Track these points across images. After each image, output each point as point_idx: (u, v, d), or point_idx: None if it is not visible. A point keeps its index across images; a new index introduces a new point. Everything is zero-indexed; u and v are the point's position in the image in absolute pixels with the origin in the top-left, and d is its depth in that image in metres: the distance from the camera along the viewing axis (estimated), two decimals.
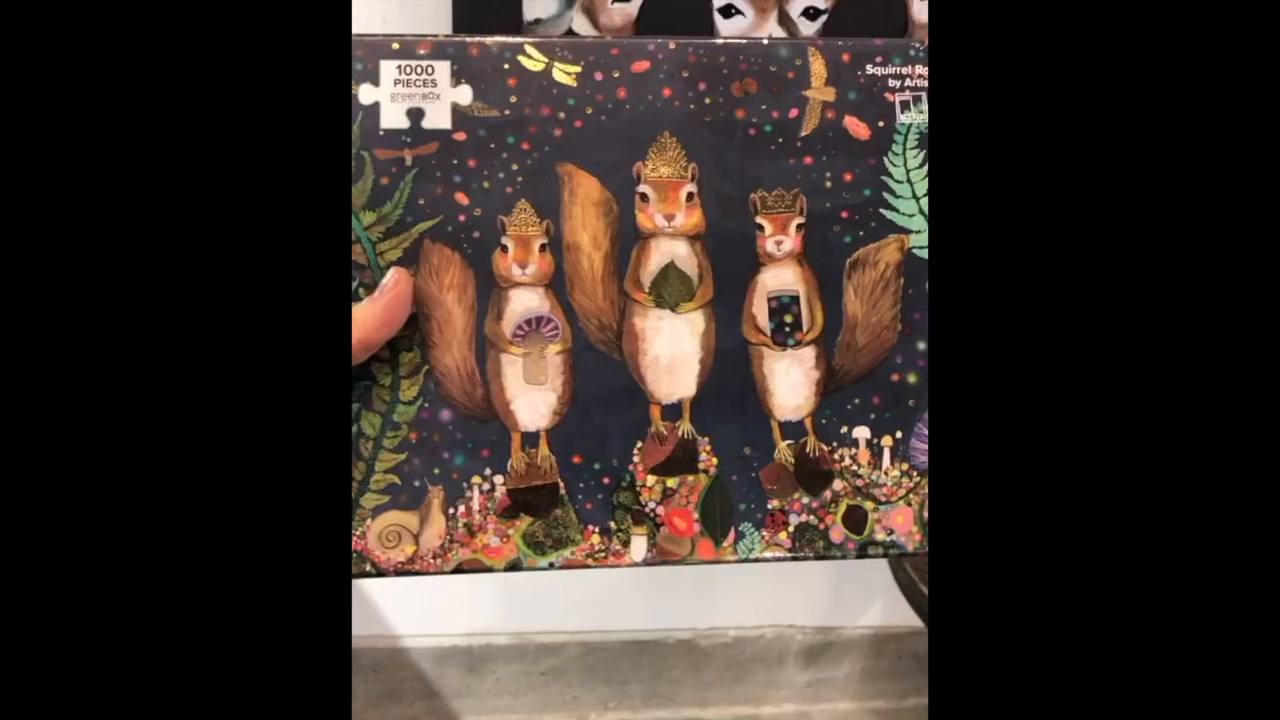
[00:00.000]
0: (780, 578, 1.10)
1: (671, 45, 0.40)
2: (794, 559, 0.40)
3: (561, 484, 0.39)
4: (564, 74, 0.40)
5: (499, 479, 0.39)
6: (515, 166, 0.39)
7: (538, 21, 0.40)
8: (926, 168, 0.40)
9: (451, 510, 0.39)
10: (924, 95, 0.41)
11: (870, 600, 1.14)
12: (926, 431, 0.40)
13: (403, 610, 1.10)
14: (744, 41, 0.41)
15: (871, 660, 1.16)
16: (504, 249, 0.39)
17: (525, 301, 0.40)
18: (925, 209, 0.41)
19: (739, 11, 0.53)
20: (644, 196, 0.40)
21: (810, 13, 0.54)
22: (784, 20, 0.53)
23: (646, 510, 0.39)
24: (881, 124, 0.41)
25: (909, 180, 0.40)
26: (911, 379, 0.40)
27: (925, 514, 0.40)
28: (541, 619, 1.11)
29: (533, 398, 0.39)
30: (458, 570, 0.39)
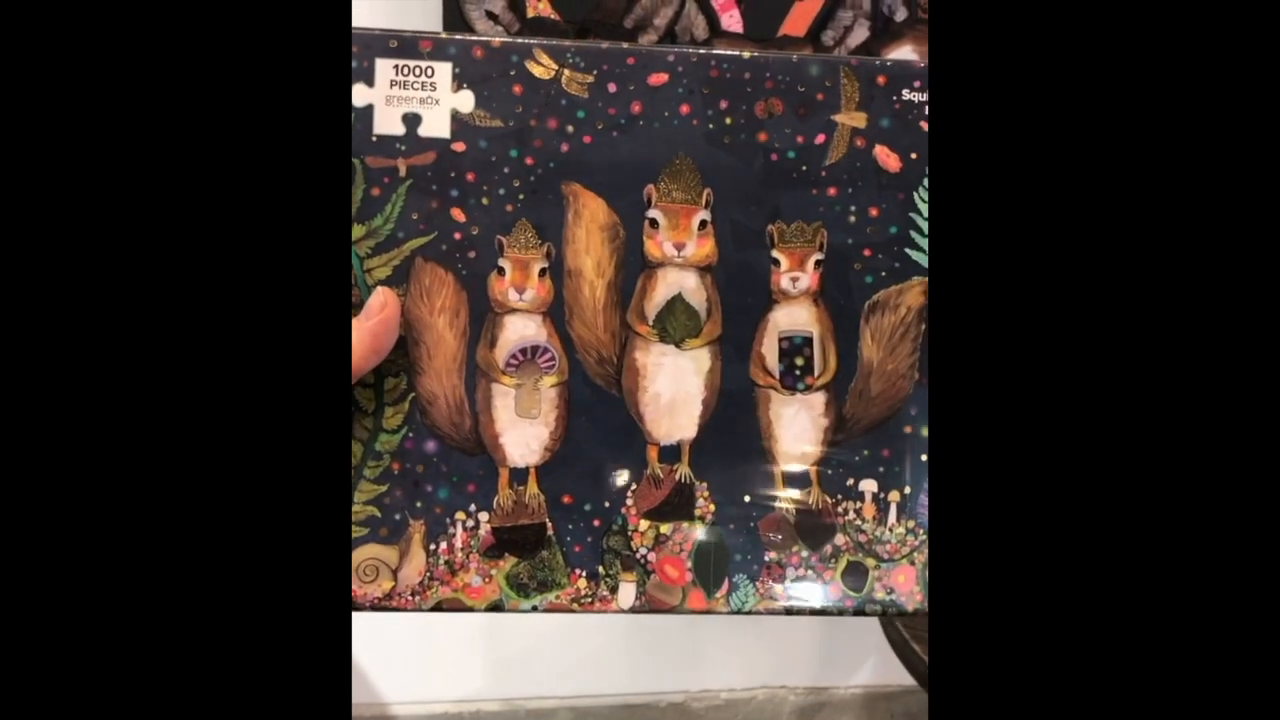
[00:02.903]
0: (771, 637, 1.09)
1: (693, 57, 0.37)
2: (788, 614, 0.38)
3: (549, 524, 0.37)
4: (575, 83, 0.37)
5: (484, 516, 0.37)
6: (517, 183, 0.37)
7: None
8: None
9: (433, 546, 0.37)
10: None
11: (862, 659, 1.12)
12: None
13: (391, 677, 1.07)
14: (772, 56, 0.38)
15: None
16: (501, 272, 0.37)
17: (521, 329, 0.37)
18: None
19: None
20: (654, 222, 0.37)
21: None
22: None
23: (637, 556, 0.37)
24: (914, 156, 0.38)
25: None
26: (925, 432, 0.38)
27: (929, 574, 0.38)
28: (531, 684, 1.08)
29: (524, 432, 0.37)
30: (437, 608, 0.37)
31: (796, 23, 0.59)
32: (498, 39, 0.37)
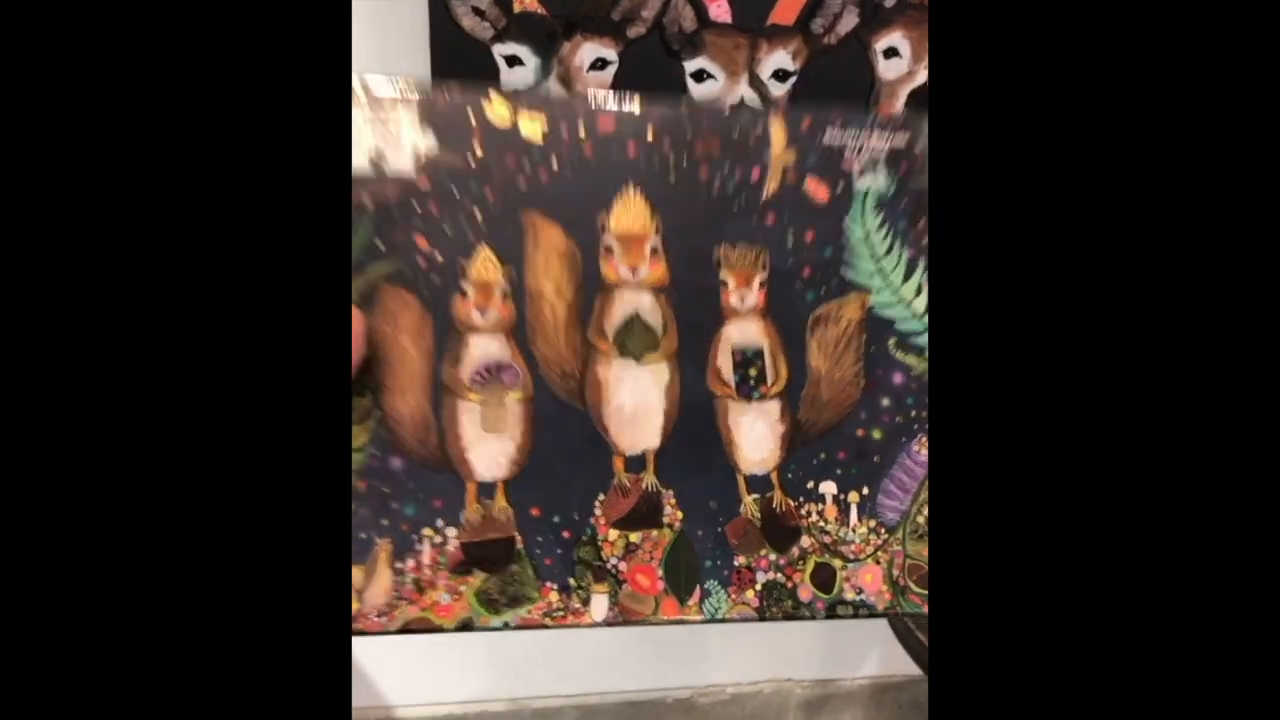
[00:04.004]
0: (775, 631, 1.08)
1: (637, 110, 0.41)
2: (761, 619, 0.38)
3: (518, 537, 0.37)
4: (530, 128, 0.40)
5: (451, 531, 0.37)
6: (478, 212, 0.39)
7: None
8: (885, 229, 0.41)
9: (399, 564, 0.36)
10: (881, 161, 0.42)
11: (868, 650, 1.13)
12: (894, 488, 0.39)
13: (395, 679, 1.04)
14: (706, 109, 0.42)
15: (872, 711, 1.14)
16: (463, 293, 0.38)
17: (485, 348, 0.38)
18: (884, 269, 0.41)
19: (711, 76, 0.55)
20: (609, 249, 0.40)
21: (780, 74, 0.56)
22: (754, 83, 0.55)
23: (608, 566, 0.37)
24: (840, 188, 0.41)
25: (868, 241, 0.41)
26: (876, 435, 0.40)
27: (894, 572, 0.39)
28: (536, 683, 1.07)
29: (490, 446, 0.38)
30: (404, 630, 0.36)
31: (785, 11, 0.58)
32: (457, 91, 0.40)
